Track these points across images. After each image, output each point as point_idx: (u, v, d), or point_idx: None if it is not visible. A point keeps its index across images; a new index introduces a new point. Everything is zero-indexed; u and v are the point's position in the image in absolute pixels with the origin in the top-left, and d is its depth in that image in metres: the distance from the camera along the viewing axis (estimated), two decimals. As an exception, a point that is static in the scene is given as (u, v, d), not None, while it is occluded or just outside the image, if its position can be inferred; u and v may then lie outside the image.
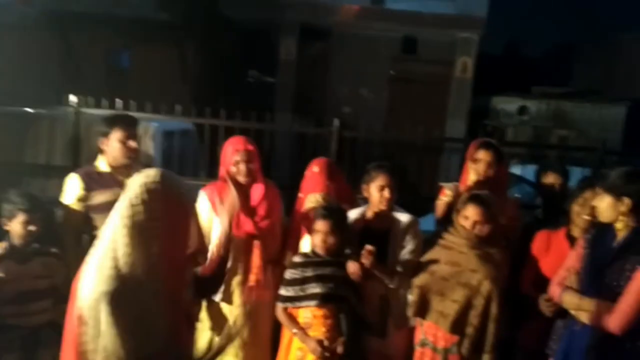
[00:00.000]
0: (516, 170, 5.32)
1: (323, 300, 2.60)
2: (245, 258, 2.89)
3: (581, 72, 14.97)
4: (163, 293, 1.82)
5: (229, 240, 2.87)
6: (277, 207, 3.05)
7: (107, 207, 2.77)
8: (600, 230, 2.44)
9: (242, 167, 2.90)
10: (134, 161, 2.99)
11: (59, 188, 3.01)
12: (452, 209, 2.87)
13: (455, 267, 2.66)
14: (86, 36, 9.30)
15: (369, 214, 2.89)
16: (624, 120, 11.60)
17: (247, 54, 10.11)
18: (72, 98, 4.55)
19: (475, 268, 2.61)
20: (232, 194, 2.90)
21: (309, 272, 2.65)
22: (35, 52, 8.80)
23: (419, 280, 2.71)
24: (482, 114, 11.27)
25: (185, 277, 2.09)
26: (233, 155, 2.91)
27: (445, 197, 3.09)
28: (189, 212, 1.97)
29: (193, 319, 2.55)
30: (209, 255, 2.87)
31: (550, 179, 3.27)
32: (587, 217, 2.72)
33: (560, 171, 3.29)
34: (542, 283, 2.67)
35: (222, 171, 2.97)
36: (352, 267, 2.63)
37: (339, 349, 2.57)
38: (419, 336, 2.79)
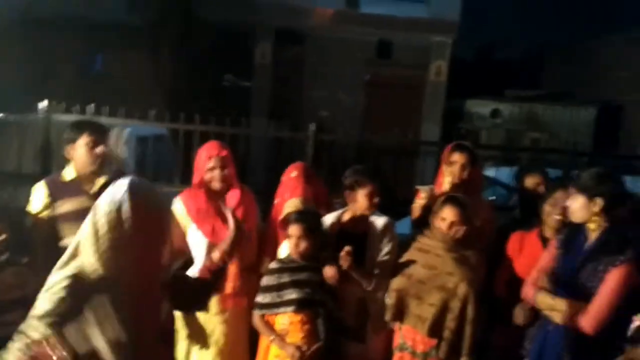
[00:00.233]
0: (490, 172, 5.38)
1: (300, 305, 2.59)
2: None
3: (552, 75, 15.26)
4: (132, 307, 1.77)
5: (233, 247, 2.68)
6: (253, 213, 3.02)
7: (73, 216, 2.72)
8: (572, 231, 2.47)
9: (217, 173, 2.86)
10: (103, 167, 2.93)
11: (28, 196, 2.94)
12: (428, 211, 2.89)
13: (431, 271, 2.67)
14: (57, 40, 9.12)
15: (346, 218, 2.89)
16: (594, 122, 11.86)
17: (222, 57, 10.05)
18: (42, 103, 4.46)
19: (452, 271, 2.63)
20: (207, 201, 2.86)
21: (285, 278, 2.64)
22: (4, 57, 8.61)
23: (396, 284, 2.71)
24: (457, 117, 11.41)
25: (158, 290, 2.04)
26: (207, 161, 2.87)
27: (421, 199, 3.11)
28: (163, 222, 1.94)
29: (170, 335, 2.50)
30: (207, 261, 2.60)
31: (533, 180, 3.31)
32: (558, 217, 2.76)
33: (542, 173, 3.35)
34: (516, 284, 2.70)
35: (196, 178, 2.94)
36: (328, 271, 2.62)
37: (316, 354, 2.56)
38: (397, 340, 2.79)
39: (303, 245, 2.65)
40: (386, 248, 2.82)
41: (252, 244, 2.99)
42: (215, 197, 2.90)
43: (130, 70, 9.40)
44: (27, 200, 2.97)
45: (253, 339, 2.90)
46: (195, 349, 2.89)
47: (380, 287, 2.77)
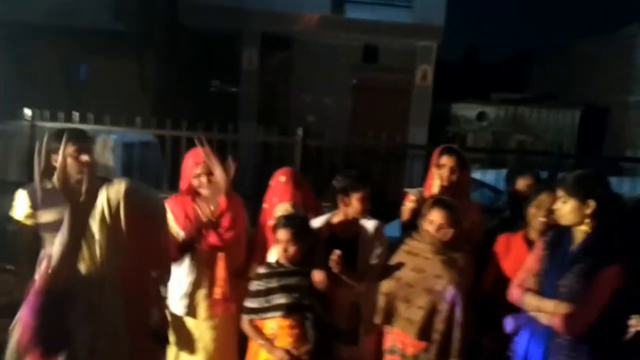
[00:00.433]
0: (476, 175, 5.41)
1: (288, 310, 2.58)
2: (210, 271, 2.84)
3: (537, 78, 15.40)
4: (123, 307, 1.76)
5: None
6: (241, 218, 3.01)
7: (56, 226, 2.68)
8: (558, 233, 2.48)
9: (204, 179, 2.86)
10: (87, 176, 2.90)
11: (13, 205, 2.91)
12: (417, 214, 2.90)
13: (420, 273, 2.67)
14: (42, 48, 9.06)
15: (335, 222, 2.89)
16: (578, 124, 11.98)
17: (208, 63, 10.04)
18: (27, 111, 4.42)
19: (440, 273, 2.64)
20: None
21: (274, 283, 2.63)
22: (-12, 64, 8.52)
23: (385, 287, 2.72)
24: (443, 121, 11.46)
25: (150, 291, 2.03)
26: (194, 167, 2.87)
27: (410, 202, 3.12)
28: (157, 223, 1.94)
29: (163, 336, 2.48)
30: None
31: (524, 182, 3.33)
32: (542, 220, 2.78)
33: (534, 175, 3.37)
34: (503, 286, 2.70)
35: (183, 184, 2.93)
36: (317, 276, 2.62)
37: (305, 357, 2.56)
38: (388, 343, 2.80)
39: (292, 249, 2.65)
40: (377, 251, 2.82)
41: (241, 249, 2.98)
42: (202, 203, 2.89)
43: (117, 78, 9.35)
44: (12, 208, 2.94)
45: (242, 343, 2.89)
46: (184, 354, 2.87)
47: (372, 289, 2.77)
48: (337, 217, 2.89)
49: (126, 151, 4.98)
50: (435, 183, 3.11)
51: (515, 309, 2.58)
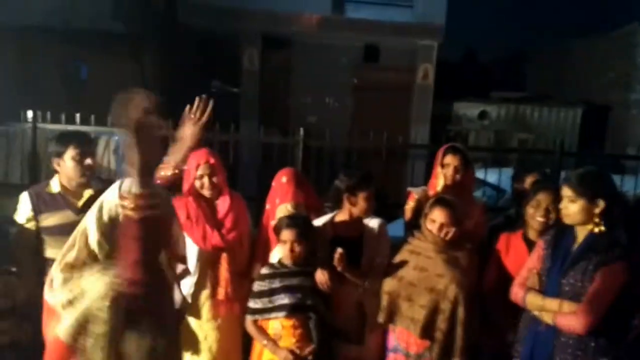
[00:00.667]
0: (479, 174, 5.40)
1: (291, 310, 2.58)
2: (213, 271, 2.84)
3: (537, 77, 15.39)
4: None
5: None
6: (244, 218, 3.01)
7: (58, 229, 2.69)
8: (559, 231, 2.47)
9: (206, 181, 2.86)
10: (90, 179, 2.90)
11: (16, 207, 2.91)
12: (420, 213, 2.89)
13: (422, 272, 2.67)
14: (43, 49, 9.06)
15: (338, 222, 2.88)
16: (579, 122, 11.97)
17: (209, 64, 10.02)
18: (29, 113, 4.42)
19: (442, 272, 2.63)
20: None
21: (277, 283, 2.63)
22: (-13, 66, 8.52)
23: (387, 286, 2.71)
24: (445, 120, 11.45)
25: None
26: (195, 169, 2.86)
27: (413, 202, 3.12)
28: (167, 218, 1.96)
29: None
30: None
31: (532, 181, 3.31)
32: (541, 220, 2.76)
33: (541, 174, 3.36)
34: (504, 283, 2.69)
35: (185, 185, 2.92)
36: (320, 276, 2.62)
37: (309, 357, 2.56)
38: (391, 342, 2.79)
39: (298, 249, 2.65)
40: (382, 249, 2.82)
41: (244, 249, 2.98)
42: (205, 204, 2.89)
43: (117, 78, 9.33)
44: (14, 211, 2.94)
45: (246, 344, 2.89)
46: (188, 355, 2.87)
47: (375, 288, 2.76)
48: (340, 217, 2.88)
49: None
50: (439, 182, 3.11)
51: (515, 308, 2.58)
